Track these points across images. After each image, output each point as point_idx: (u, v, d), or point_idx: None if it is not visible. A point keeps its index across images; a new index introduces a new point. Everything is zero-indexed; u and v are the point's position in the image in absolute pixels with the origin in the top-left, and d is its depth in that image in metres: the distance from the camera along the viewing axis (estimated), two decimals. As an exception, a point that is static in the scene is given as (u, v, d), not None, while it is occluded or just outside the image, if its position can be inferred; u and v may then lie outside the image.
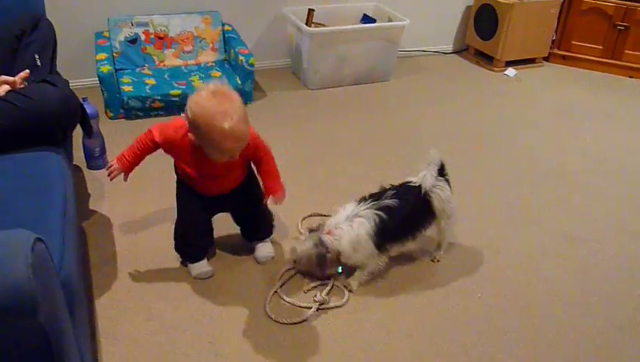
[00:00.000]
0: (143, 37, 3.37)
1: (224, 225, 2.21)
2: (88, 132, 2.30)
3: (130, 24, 3.34)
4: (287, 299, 1.99)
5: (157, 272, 2.09)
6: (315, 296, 1.98)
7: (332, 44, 3.56)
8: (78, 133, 2.22)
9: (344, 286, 2.06)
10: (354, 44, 3.63)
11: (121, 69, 3.29)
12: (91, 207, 2.42)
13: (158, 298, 1.98)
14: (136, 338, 1.82)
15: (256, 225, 2.16)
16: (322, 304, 1.97)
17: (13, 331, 1.07)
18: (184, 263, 2.12)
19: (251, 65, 3.28)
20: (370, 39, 3.68)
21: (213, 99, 1.65)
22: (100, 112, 2.82)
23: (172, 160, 1.96)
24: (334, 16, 3.85)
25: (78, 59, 3.33)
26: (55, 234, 1.45)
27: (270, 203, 2.00)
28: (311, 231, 2.04)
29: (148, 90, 3.13)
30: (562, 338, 1.92)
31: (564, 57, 4.34)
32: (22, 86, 1.96)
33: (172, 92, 3.15)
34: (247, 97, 3.39)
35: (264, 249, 2.17)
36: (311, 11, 3.72)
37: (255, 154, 1.92)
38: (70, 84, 2.11)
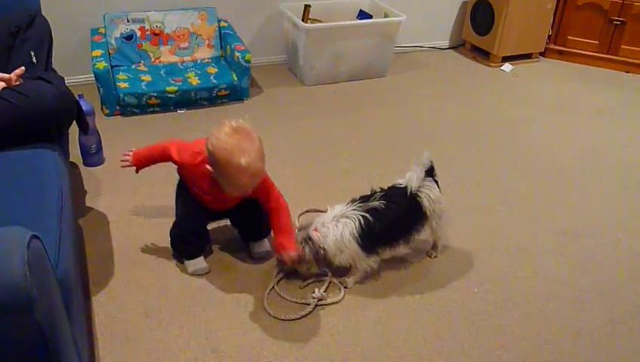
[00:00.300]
0: (138, 33, 3.37)
1: (221, 221, 2.21)
2: (84, 129, 2.29)
3: (126, 20, 3.33)
4: (286, 296, 1.99)
5: (154, 269, 2.09)
6: (314, 292, 1.99)
7: (328, 40, 3.56)
8: (74, 130, 2.21)
9: (340, 282, 2.06)
10: (350, 40, 3.62)
11: (116, 66, 3.29)
12: (88, 203, 2.42)
13: (155, 294, 1.98)
14: (134, 334, 1.82)
15: (255, 228, 2.16)
16: (320, 300, 1.97)
17: (10, 328, 1.07)
18: (180, 260, 2.12)
19: (247, 61, 3.28)
20: (366, 35, 3.67)
21: (233, 136, 1.73)
22: (96, 109, 2.82)
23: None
24: (330, 12, 3.85)
25: (74, 55, 3.33)
26: (51, 232, 1.45)
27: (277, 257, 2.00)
28: (300, 229, 2.04)
29: (144, 87, 3.13)
30: (560, 334, 1.92)
31: (560, 52, 4.35)
32: (17, 83, 1.96)
33: (168, 88, 3.14)
34: (243, 94, 3.39)
35: (260, 245, 2.17)
36: (307, 7, 3.72)
37: (266, 200, 1.95)
38: (66, 81, 2.10)
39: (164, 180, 2.51)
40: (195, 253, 2.09)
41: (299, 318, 1.92)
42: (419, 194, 2.01)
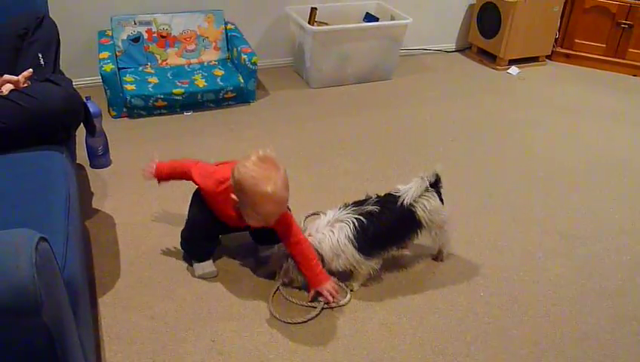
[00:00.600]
0: (145, 36, 3.37)
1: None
2: (91, 131, 2.30)
3: (133, 23, 3.34)
4: (292, 299, 1.99)
5: (160, 271, 2.10)
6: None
7: (335, 42, 3.56)
8: (81, 131, 2.22)
9: (346, 286, 2.06)
10: (356, 43, 3.62)
11: (123, 68, 3.30)
12: (94, 205, 2.43)
13: (161, 297, 1.98)
14: (140, 337, 1.82)
15: (269, 234, 2.15)
16: (327, 303, 1.97)
17: (18, 330, 1.07)
18: (189, 262, 2.12)
19: (254, 63, 3.28)
20: (372, 38, 3.67)
21: (260, 165, 1.75)
22: (103, 111, 2.82)
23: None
24: (337, 15, 3.85)
25: (81, 58, 3.34)
26: (59, 234, 1.45)
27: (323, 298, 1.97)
28: None
29: (151, 89, 3.13)
30: (565, 337, 1.92)
31: (567, 56, 4.34)
32: (25, 85, 1.96)
33: (175, 91, 3.15)
34: (249, 96, 3.39)
35: (268, 248, 2.16)
36: (314, 10, 3.72)
37: (286, 234, 1.92)
38: (73, 83, 2.11)
39: (171, 182, 2.51)
40: (204, 256, 2.09)
41: (305, 321, 1.91)
42: (414, 203, 2.00)
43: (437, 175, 2.08)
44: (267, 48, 3.84)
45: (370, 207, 1.98)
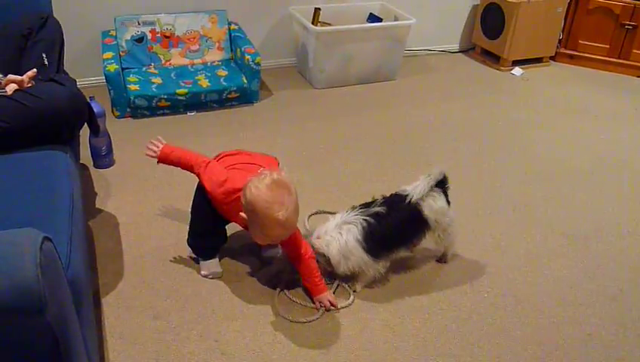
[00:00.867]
0: (149, 36, 3.38)
1: (232, 224, 2.20)
2: (95, 131, 2.31)
3: (136, 23, 3.34)
4: (296, 299, 1.99)
5: (163, 271, 2.10)
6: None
7: (338, 43, 3.56)
8: (84, 131, 2.22)
9: (349, 286, 2.06)
10: (360, 44, 3.62)
11: (127, 68, 3.30)
12: (98, 205, 2.43)
13: (164, 297, 1.98)
14: (143, 337, 1.82)
15: None
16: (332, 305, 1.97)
17: (21, 330, 1.07)
18: (196, 260, 2.12)
19: (257, 64, 3.28)
20: (376, 38, 3.67)
21: (273, 189, 1.74)
22: (107, 111, 2.83)
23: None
24: (340, 15, 3.85)
25: (85, 58, 3.34)
26: (62, 233, 1.46)
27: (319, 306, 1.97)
28: (304, 236, 2.03)
29: (154, 89, 3.13)
30: (568, 338, 1.91)
31: (571, 56, 4.33)
32: (29, 85, 1.97)
33: (178, 91, 3.15)
34: (253, 96, 3.40)
35: (271, 249, 2.17)
36: (317, 10, 3.72)
37: (294, 248, 1.93)
38: (77, 83, 2.11)
39: (174, 182, 2.52)
40: (211, 252, 2.09)
41: (309, 322, 1.91)
42: (420, 203, 1.99)
43: (444, 175, 2.07)
44: (271, 49, 3.84)
45: (377, 208, 1.97)
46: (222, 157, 2.03)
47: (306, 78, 3.78)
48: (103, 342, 1.79)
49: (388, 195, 2.05)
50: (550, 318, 1.99)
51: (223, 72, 3.38)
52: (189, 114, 3.23)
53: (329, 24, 3.75)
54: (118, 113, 3.15)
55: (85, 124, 2.14)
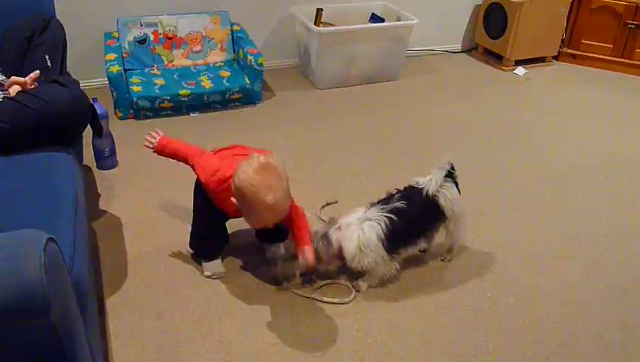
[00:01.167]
0: (152, 37, 3.38)
1: (234, 222, 2.20)
2: (98, 132, 2.30)
3: (139, 24, 3.35)
4: (297, 292, 2.02)
5: (167, 271, 2.10)
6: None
7: (340, 43, 3.56)
8: (87, 133, 2.22)
9: (352, 285, 2.06)
10: (362, 44, 3.62)
11: (130, 70, 3.30)
12: (101, 207, 2.43)
13: (168, 297, 1.98)
14: (147, 337, 1.82)
15: (273, 233, 2.15)
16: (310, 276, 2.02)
17: (26, 331, 1.07)
18: (198, 261, 2.12)
19: (260, 64, 3.28)
20: (378, 39, 3.67)
21: (261, 173, 1.72)
22: (110, 112, 2.83)
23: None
24: (343, 16, 3.85)
25: (88, 59, 3.35)
26: (66, 235, 1.46)
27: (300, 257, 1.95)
28: (326, 224, 2.03)
29: (157, 91, 3.14)
30: (572, 338, 1.91)
31: (574, 56, 4.32)
32: (32, 86, 1.97)
33: (181, 92, 3.16)
34: (255, 97, 3.40)
35: (275, 249, 2.17)
36: (319, 11, 3.72)
37: (288, 217, 1.92)
38: (80, 85, 2.11)
39: (177, 183, 2.51)
40: (214, 253, 2.09)
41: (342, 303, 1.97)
42: (436, 193, 2.00)
43: (452, 165, 2.07)
44: (273, 49, 3.84)
45: (396, 204, 1.97)
46: (218, 151, 2.04)
47: (309, 78, 3.78)
48: (106, 343, 1.79)
49: (403, 188, 2.05)
50: (554, 318, 1.99)
51: (225, 73, 3.38)
52: (191, 115, 3.24)
53: (331, 25, 3.75)
54: (120, 114, 3.16)
55: (88, 125, 2.14)
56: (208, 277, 2.07)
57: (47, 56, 2.18)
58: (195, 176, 1.99)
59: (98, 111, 2.36)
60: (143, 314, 1.91)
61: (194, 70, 3.41)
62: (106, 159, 2.68)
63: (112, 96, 3.11)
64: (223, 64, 3.51)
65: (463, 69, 4.20)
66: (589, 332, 1.94)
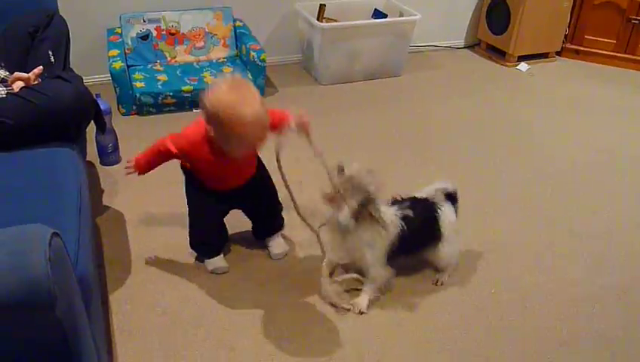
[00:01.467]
0: (154, 33, 3.38)
1: (237, 221, 2.21)
2: (102, 128, 2.31)
3: (141, 20, 3.35)
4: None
5: (171, 267, 2.10)
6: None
7: (343, 39, 3.55)
8: (90, 129, 2.23)
9: (353, 306, 1.96)
10: (365, 40, 3.62)
11: (133, 66, 3.30)
12: (105, 202, 2.44)
13: (172, 293, 1.99)
14: (151, 332, 1.83)
15: (269, 216, 2.15)
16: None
17: (31, 325, 1.08)
18: (200, 259, 2.12)
19: (263, 60, 3.28)
20: (381, 34, 3.67)
21: (232, 92, 1.66)
22: (113, 108, 2.83)
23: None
24: (345, 12, 3.85)
25: (91, 55, 3.35)
26: (70, 230, 1.46)
27: (294, 126, 1.86)
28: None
29: (160, 87, 3.14)
30: (575, 335, 1.91)
31: (577, 52, 4.31)
32: (36, 82, 1.98)
33: (184, 88, 3.16)
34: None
35: (278, 246, 2.17)
36: (322, 6, 3.72)
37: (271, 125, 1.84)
38: (83, 81, 2.12)
39: (180, 179, 2.51)
40: (215, 251, 2.10)
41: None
42: (438, 211, 1.96)
43: (455, 191, 2.04)
44: (276, 45, 3.84)
45: (407, 211, 1.90)
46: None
47: (312, 74, 3.78)
48: (110, 338, 1.80)
49: (407, 198, 1.98)
50: (556, 315, 1.99)
51: (228, 69, 3.38)
52: (194, 111, 3.23)
53: (334, 20, 3.74)
54: (123, 110, 3.16)
55: (92, 121, 2.15)
56: (212, 272, 2.08)
57: (50, 52, 2.19)
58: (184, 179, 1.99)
59: (101, 107, 2.37)
60: (147, 310, 1.91)
61: (197, 66, 3.41)
62: (109, 155, 2.68)
63: (115, 92, 3.11)
64: (225, 60, 3.51)
65: (466, 64, 4.19)
66: (593, 329, 1.94)
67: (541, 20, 4.03)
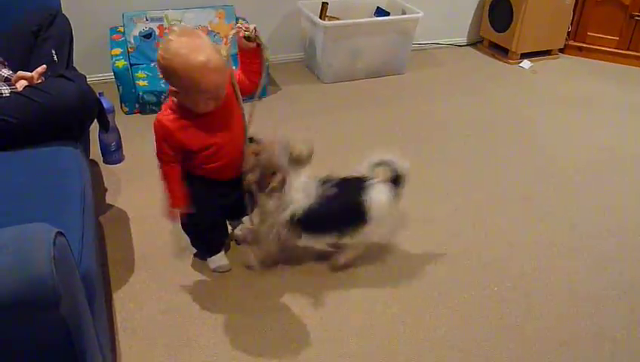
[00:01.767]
0: (157, 32, 3.38)
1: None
2: (105, 127, 2.31)
3: (144, 19, 3.35)
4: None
5: (173, 265, 2.11)
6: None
7: (346, 37, 3.55)
8: (93, 127, 2.23)
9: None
10: (368, 38, 3.62)
11: (135, 64, 3.30)
12: (108, 201, 2.44)
13: (174, 291, 1.99)
14: (154, 331, 1.83)
15: (238, 210, 2.11)
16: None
17: (36, 324, 1.08)
18: (203, 258, 2.12)
19: (265, 59, 3.27)
20: (384, 32, 3.67)
21: (181, 39, 1.64)
22: (116, 107, 2.84)
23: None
24: (348, 10, 3.85)
25: (94, 54, 3.35)
26: (74, 229, 1.46)
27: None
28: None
29: (163, 85, 3.14)
30: (578, 332, 1.91)
31: (580, 49, 4.30)
32: (39, 81, 1.98)
33: (187, 86, 3.15)
34: (261, 91, 3.38)
35: (242, 227, 2.20)
36: (325, 5, 3.71)
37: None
38: (86, 79, 2.12)
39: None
40: (216, 247, 2.09)
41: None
42: (365, 191, 1.92)
43: (402, 174, 1.98)
44: (278, 43, 3.84)
45: (330, 188, 1.91)
46: None
47: (314, 72, 3.78)
48: (114, 336, 1.80)
49: (339, 177, 1.98)
50: (559, 313, 1.99)
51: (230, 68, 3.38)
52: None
53: (337, 18, 3.74)
54: (126, 109, 3.17)
55: (95, 120, 2.15)
56: (214, 270, 2.08)
57: (53, 51, 2.19)
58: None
59: (104, 105, 2.37)
60: (150, 308, 1.92)
61: (199, 64, 3.41)
62: (113, 154, 2.69)
63: (118, 90, 3.11)
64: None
65: (469, 62, 4.19)
66: (596, 327, 1.94)
67: (544, 17, 4.03)
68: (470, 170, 2.78)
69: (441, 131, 3.17)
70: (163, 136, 1.80)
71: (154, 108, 3.16)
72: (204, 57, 1.62)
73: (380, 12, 3.90)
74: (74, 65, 2.35)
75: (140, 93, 3.10)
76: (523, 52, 4.14)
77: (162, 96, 3.12)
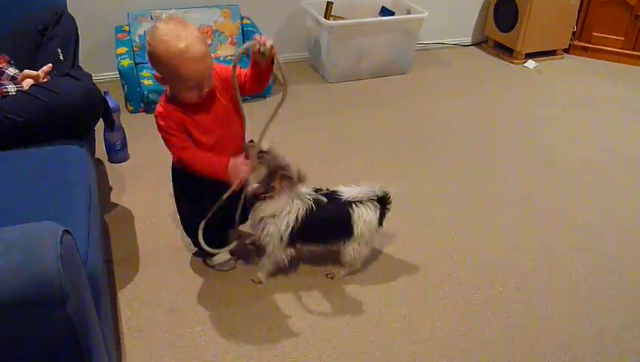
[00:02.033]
0: (162, 31, 3.38)
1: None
2: (110, 125, 2.32)
3: (149, 18, 3.35)
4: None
5: (178, 265, 2.11)
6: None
7: (351, 37, 3.55)
8: (99, 126, 2.24)
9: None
10: (373, 37, 3.62)
11: (141, 63, 3.30)
12: (113, 200, 2.44)
13: (179, 290, 2.00)
14: (159, 330, 1.84)
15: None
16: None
17: (42, 322, 1.08)
18: (207, 257, 2.11)
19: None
20: (388, 32, 3.66)
21: (166, 27, 1.65)
22: (121, 106, 2.84)
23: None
24: (353, 9, 3.84)
25: (99, 53, 3.36)
26: (80, 228, 1.47)
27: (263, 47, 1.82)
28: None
29: (167, 84, 3.14)
30: (581, 332, 1.91)
31: (585, 49, 4.29)
32: (45, 80, 1.98)
33: (191, 86, 3.16)
34: (265, 91, 3.40)
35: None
36: (329, 4, 3.71)
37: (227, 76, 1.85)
38: (92, 78, 2.12)
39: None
40: (219, 244, 2.04)
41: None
42: (353, 208, 1.92)
43: (388, 194, 1.98)
44: (283, 43, 3.83)
45: (320, 197, 1.91)
46: None
47: (319, 72, 3.78)
48: (119, 335, 1.81)
49: (328, 190, 1.98)
50: (563, 312, 1.99)
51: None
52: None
53: (342, 18, 3.74)
54: (131, 108, 3.17)
55: (100, 118, 2.15)
56: (219, 269, 2.08)
57: (59, 50, 2.20)
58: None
59: (110, 104, 2.37)
60: (155, 307, 1.92)
61: (204, 64, 3.41)
62: (118, 152, 2.69)
63: (123, 89, 3.12)
64: (233, 58, 3.50)
65: (474, 62, 4.19)
66: (600, 326, 1.93)
67: (549, 17, 4.02)
68: (473, 170, 2.78)
69: (444, 131, 3.17)
70: (167, 124, 1.79)
71: (159, 107, 3.17)
72: (184, 45, 1.63)
73: (385, 12, 3.89)
74: (79, 64, 2.36)
75: (145, 92, 3.10)
76: (528, 52, 4.13)
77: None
